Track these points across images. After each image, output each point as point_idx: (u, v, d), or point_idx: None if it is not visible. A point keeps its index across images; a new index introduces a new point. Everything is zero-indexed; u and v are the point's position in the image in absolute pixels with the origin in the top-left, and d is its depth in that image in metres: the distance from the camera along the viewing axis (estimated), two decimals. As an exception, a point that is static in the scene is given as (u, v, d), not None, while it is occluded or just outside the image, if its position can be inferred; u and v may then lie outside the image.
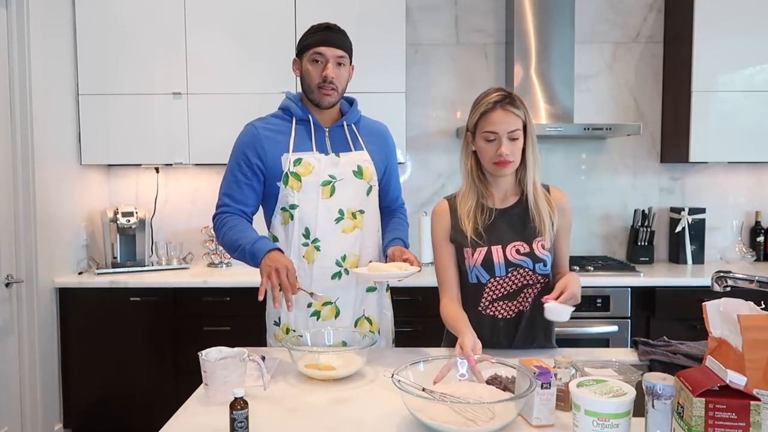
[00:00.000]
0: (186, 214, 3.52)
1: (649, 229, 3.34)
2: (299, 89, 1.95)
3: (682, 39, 3.23)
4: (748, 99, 3.13)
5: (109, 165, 3.45)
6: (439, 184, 3.49)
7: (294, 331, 1.84)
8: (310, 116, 1.84)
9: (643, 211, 3.38)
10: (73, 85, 3.15)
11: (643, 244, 3.34)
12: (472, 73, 3.45)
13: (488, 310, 1.70)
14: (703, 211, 3.36)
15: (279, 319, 1.87)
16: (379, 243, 1.92)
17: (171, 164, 3.29)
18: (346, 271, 1.82)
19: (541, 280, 1.68)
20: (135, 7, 3.12)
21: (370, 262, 1.80)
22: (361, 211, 1.84)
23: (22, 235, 2.77)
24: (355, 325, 1.87)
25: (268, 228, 1.90)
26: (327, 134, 1.85)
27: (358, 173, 1.83)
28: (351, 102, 1.93)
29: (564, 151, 3.45)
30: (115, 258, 3.21)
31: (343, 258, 1.82)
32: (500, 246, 1.65)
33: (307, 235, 1.80)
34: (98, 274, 3.08)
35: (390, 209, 2.02)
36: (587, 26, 3.41)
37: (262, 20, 3.12)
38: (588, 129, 3.03)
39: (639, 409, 1.14)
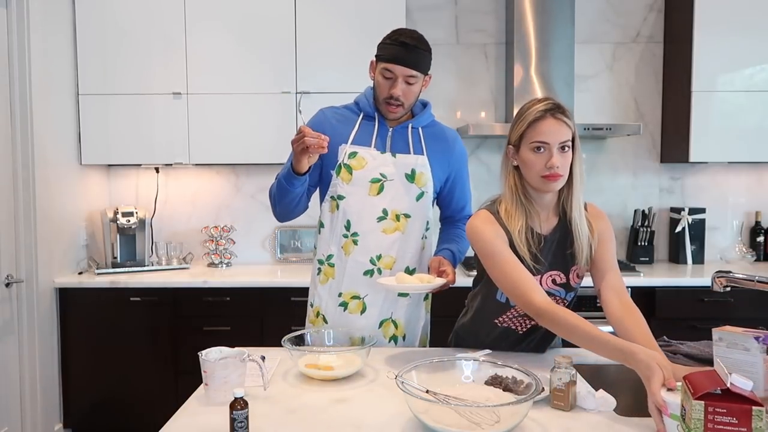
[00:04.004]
0: (186, 214, 3.52)
1: (649, 229, 3.34)
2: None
3: (682, 39, 3.23)
4: (748, 99, 3.13)
5: (109, 165, 3.45)
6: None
7: (324, 317, 1.87)
8: (376, 114, 1.84)
9: (643, 211, 3.37)
10: (73, 85, 3.15)
11: (643, 244, 3.34)
12: (472, 73, 3.45)
13: (505, 324, 1.67)
14: (703, 211, 3.36)
15: (313, 301, 1.91)
16: (423, 249, 1.89)
17: (171, 164, 3.29)
18: (379, 271, 1.82)
19: (566, 304, 1.62)
20: (135, 7, 3.12)
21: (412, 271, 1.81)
22: (407, 215, 1.82)
23: (22, 235, 2.77)
24: (380, 326, 1.86)
25: (320, 211, 1.91)
26: (389, 134, 1.85)
27: (411, 177, 1.82)
28: (425, 104, 1.91)
29: (564, 151, 3.44)
30: (115, 258, 3.21)
31: (378, 257, 1.82)
32: (539, 276, 1.56)
33: (347, 227, 1.81)
34: (98, 274, 3.08)
35: (453, 219, 1.99)
36: (587, 26, 3.41)
37: (262, 20, 3.12)
38: (588, 129, 3.02)
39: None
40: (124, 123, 3.17)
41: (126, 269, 3.15)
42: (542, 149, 1.47)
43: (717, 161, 3.26)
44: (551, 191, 1.52)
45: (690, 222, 3.33)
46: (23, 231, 2.77)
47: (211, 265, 3.33)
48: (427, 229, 1.89)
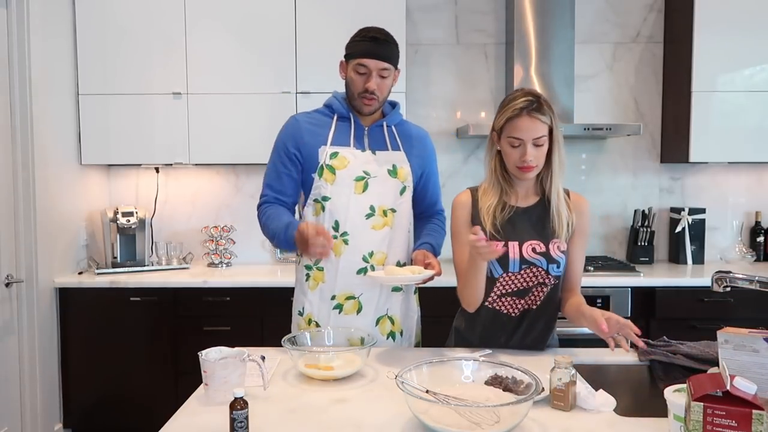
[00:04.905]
0: (186, 214, 3.52)
1: (649, 229, 3.34)
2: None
3: (682, 39, 3.23)
4: (748, 99, 3.13)
5: (109, 165, 3.45)
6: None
7: (317, 323, 1.86)
8: (351, 114, 1.86)
9: (643, 211, 3.37)
10: (73, 85, 3.15)
11: (643, 244, 3.34)
12: (472, 73, 3.45)
13: (495, 305, 1.71)
14: (703, 211, 3.36)
15: (303, 308, 1.89)
16: (409, 243, 1.92)
17: (171, 164, 3.29)
18: (372, 268, 1.83)
19: (553, 281, 1.68)
20: (135, 6, 3.12)
21: (390, 265, 1.81)
22: (393, 210, 1.85)
23: (22, 235, 2.77)
24: (377, 324, 1.87)
25: (300, 217, 1.91)
26: (366, 132, 1.87)
27: (393, 172, 1.84)
28: (393, 105, 1.94)
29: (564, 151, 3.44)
30: (115, 258, 3.21)
31: (371, 254, 1.83)
32: (517, 243, 1.66)
33: (336, 227, 1.82)
34: (98, 274, 3.08)
35: (426, 215, 2.02)
36: (587, 26, 3.40)
37: (262, 20, 3.12)
38: (588, 129, 3.02)
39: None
40: (124, 123, 3.16)
41: (126, 269, 3.14)
42: (518, 144, 1.61)
43: (717, 161, 3.26)
44: (525, 180, 1.68)
45: (690, 222, 3.33)
46: (23, 231, 2.77)
47: (211, 265, 3.33)
48: (411, 223, 1.93)
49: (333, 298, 1.85)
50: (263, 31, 3.12)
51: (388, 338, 1.88)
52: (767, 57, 3.11)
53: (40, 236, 2.85)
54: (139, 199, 3.49)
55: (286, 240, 1.76)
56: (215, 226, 3.34)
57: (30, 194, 2.79)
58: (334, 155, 1.81)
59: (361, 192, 1.81)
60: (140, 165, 3.41)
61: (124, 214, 3.19)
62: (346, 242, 1.81)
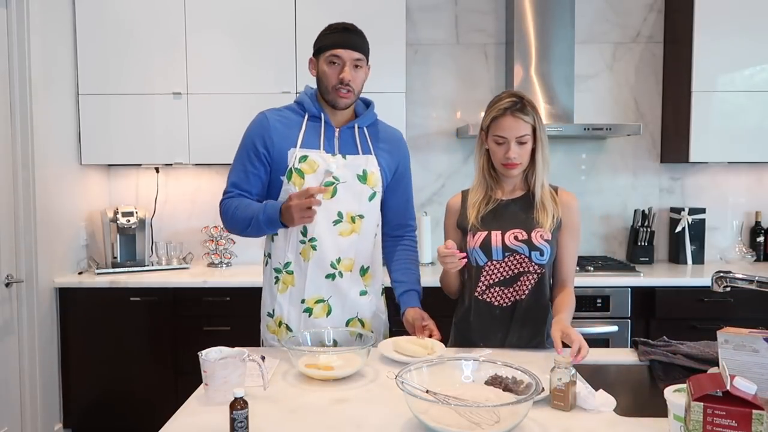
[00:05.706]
0: (186, 214, 3.52)
1: (649, 229, 3.34)
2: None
3: (682, 39, 3.23)
4: (748, 99, 3.12)
5: (109, 165, 3.45)
6: (439, 184, 3.49)
7: (287, 326, 1.85)
8: (322, 114, 1.83)
9: (643, 211, 3.37)
10: (73, 85, 3.15)
11: (643, 244, 3.34)
12: (472, 73, 3.45)
13: (485, 296, 1.75)
14: (703, 211, 3.36)
15: (273, 310, 1.88)
16: (375, 247, 1.90)
17: (171, 164, 3.29)
18: (340, 274, 1.83)
19: (538, 270, 1.72)
20: (135, 6, 3.12)
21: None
22: (361, 216, 1.83)
23: (22, 235, 2.77)
24: (347, 325, 1.87)
25: None
26: (336, 134, 1.84)
27: (362, 178, 1.82)
28: (368, 104, 1.91)
29: (564, 151, 3.45)
30: (115, 258, 3.21)
31: (338, 260, 1.82)
32: (500, 231, 1.73)
33: (304, 232, 1.80)
34: (98, 274, 3.08)
35: (395, 225, 1.98)
36: (587, 26, 3.40)
37: (262, 20, 3.12)
38: (588, 129, 3.02)
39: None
40: (124, 123, 3.16)
41: (126, 269, 3.14)
42: (502, 142, 1.71)
43: (717, 161, 3.26)
44: (510, 176, 1.77)
45: (690, 222, 3.33)
46: (23, 231, 2.77)
47: (211, 265, 3.33)
48: (378, 226, 1.92)
49: (303, 302, 1.84)
50: (263, 31, 3.12)
51: (362, 338, 1.86)
52: (767, 57, 3.11)
53: (40, 236, 2.85)
54: (139, 199, 3.49)
55: (267, 217, 1.70)
56: (215, 226, 3.33)
57: (30, 194, 2.79)
58: (303, 159, 1.77)
59: (329, 197, 1.78)
60: (140, 165, 3.41)
61: (124, 214, 3.19)
62: (314, 248, 1.79)
